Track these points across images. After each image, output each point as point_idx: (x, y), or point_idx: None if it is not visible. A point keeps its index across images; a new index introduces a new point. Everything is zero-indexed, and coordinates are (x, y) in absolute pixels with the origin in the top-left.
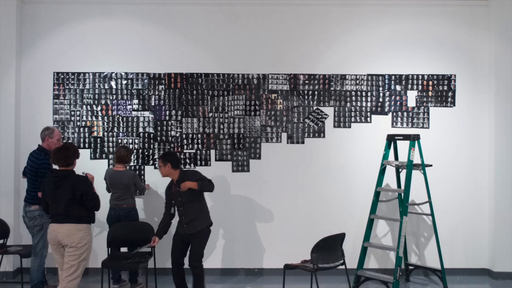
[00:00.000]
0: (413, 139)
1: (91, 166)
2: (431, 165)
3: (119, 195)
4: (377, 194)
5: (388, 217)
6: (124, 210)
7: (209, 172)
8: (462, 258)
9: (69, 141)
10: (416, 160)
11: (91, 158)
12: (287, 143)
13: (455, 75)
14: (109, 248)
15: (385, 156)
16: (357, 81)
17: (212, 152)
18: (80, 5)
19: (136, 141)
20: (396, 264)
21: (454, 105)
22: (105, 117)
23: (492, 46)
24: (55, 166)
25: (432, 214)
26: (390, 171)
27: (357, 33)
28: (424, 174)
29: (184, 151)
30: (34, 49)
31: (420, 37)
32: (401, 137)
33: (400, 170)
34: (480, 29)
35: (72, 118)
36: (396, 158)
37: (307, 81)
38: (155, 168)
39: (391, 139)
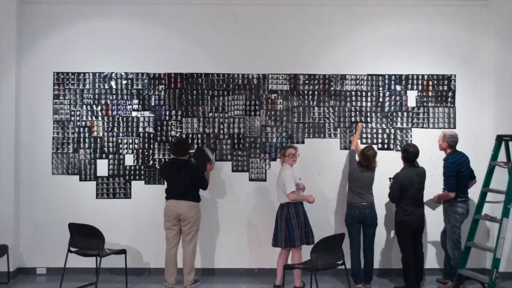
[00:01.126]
0: None
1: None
2: None
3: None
4: (482, 195)
5: (491, 217)
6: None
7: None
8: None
9: (69, 141)
10: None
11: (91, 158)
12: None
13: (455, 75)
14: None
15: (494, 157)
16: (357, 81)
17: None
18: (80, 5)
19: (136, 141)
20: (493, 266)
21: (454, 105)
22: (105, 117)
23: (492, 46)
24: None
25: None
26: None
27: (357, 33)
28: None
29: None
30: (34, 49)
31: (420, 37)
32: (508, 138)
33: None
34: (480, 29)
35: (72, 118)
36: (509, 159)
37: (307, 81)
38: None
39: (501, 140)
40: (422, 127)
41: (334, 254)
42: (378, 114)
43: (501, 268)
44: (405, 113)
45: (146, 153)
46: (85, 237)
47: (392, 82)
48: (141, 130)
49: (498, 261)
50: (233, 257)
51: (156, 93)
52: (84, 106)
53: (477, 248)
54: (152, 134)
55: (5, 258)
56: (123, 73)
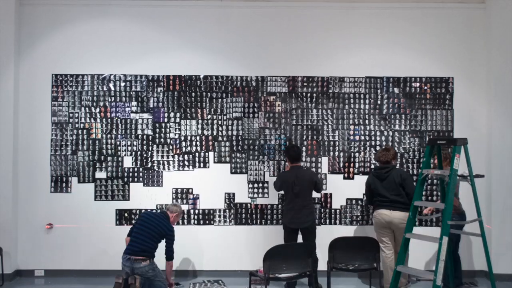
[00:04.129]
0: (459, 144)
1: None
2: (482, 176)
3: None
4: (414, 210)
5: (427, 235)
6: None
7: (208, 174)
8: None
9: (67, 143)
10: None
11: (89, 160)
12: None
13: (453, 78)
14: None
15: (426, 164)
16: (355, 84)
17: (211, 154)
18: (78, 6)
19: (135, 143)
20: None
21: (452, 108)
22: (104, 119)
23: (489, 48)
24: None
25: (482, 235)
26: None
27: (356, 36)
28: (473, 186)
29: (183, 153)
30: (32, 51)
31: (418, 40)
32: (444, 142)
33: (445, 181)
34: (477, 32)
35: (71, 120)
36: (440, 166)
37: (305, 84)
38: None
39: (433, 144)
40: (420, 129)
41: (296, 263)
42: (376, 116)
43: (500, 270)
44: (403, 116)
45: (144, 155)
46: None
47: (390, 84)
48: (139, 132)
49: None
50: (232, 258)
51: (155, 95)
52: (83, 108)
53: (410, 273)
54: (150, 136)
55: (5, 259)
56: (121, 75)
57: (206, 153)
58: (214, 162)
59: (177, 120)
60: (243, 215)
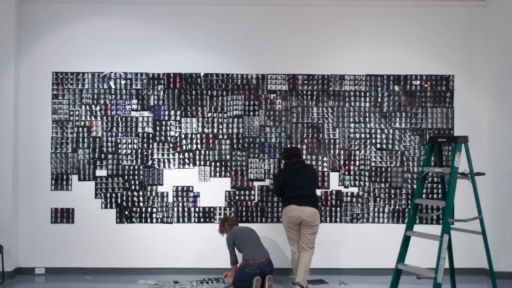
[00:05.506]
0: (460, 141)
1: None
2: (483, 174)
3: None
4: (415, 207)
5: (427, 233)
6: None
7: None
8: (461, 258)
9: (68, 141)
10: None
11: (90, 158)
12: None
13: (453, 76)
14: None
15: (426, 162)
16: (356, 82)
17: (211, 152)
18: (79, 4)
19: (135, 141)
20: None
21: (452, 106)
22: (104, 117)
23: (490, 46)
24: None
25: (483, 233)
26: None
27: (356, 34)
28: (474, 184)
29: (183, 151)
30: (33, 49)
31: (418, 38)
32: (445, 140)
33: (446, 179)
34: (478, 30)
35: (71, 118)
36: (441, 164)
37: (306, 81)
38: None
39: (434, 142)
40: (421, 127)
41: None
42: (377, 114)
43: (500, 267)
44: (403, 114)
45: (145, 153)
46: None
47: (391, 82)
48: (140, 130)
49: (439, 286)
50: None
51: (155, 93)
52: (83, 106)
53: (411, 271)
54: (151, 134)
55: (5, 258)
56: (122, 73)
57: (207, 151)
58: (215, 159)
59: (178, 118)
60: (244, 213)
